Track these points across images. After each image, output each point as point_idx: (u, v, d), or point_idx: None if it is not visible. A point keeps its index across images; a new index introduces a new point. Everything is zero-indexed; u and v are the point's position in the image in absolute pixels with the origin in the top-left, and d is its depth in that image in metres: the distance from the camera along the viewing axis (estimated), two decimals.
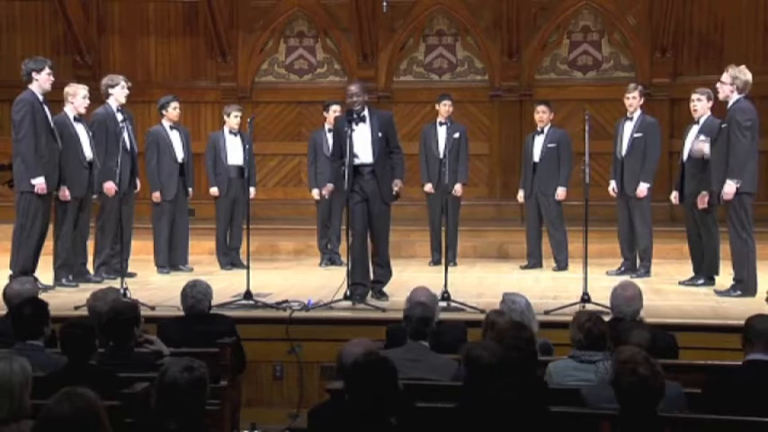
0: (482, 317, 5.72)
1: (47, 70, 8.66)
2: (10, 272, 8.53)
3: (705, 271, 8.91)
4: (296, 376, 7.41)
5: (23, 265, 8.51)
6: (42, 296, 6.32)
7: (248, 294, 7.87)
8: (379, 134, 8.14)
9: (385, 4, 12.60)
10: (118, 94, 9.43)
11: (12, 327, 5.46)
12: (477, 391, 4.22)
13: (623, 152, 9.52)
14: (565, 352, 5.32)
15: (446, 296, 7.61)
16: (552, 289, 8.82)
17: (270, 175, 13.85)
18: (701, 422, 4.33)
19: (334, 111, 10.31)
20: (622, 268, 9.65)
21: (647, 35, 13.24)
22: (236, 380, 6.42)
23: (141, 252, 10.16)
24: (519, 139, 12.44)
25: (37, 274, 8.54)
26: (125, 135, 8.70)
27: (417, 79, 13.81)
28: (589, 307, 7.31)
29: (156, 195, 9.90)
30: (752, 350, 4.84)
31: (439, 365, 5.24)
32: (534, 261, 10.28)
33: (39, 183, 8.47)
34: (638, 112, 9.54)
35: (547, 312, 7.26)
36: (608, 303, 6.17)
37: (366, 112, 8.21)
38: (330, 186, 8.50)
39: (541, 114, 10.16)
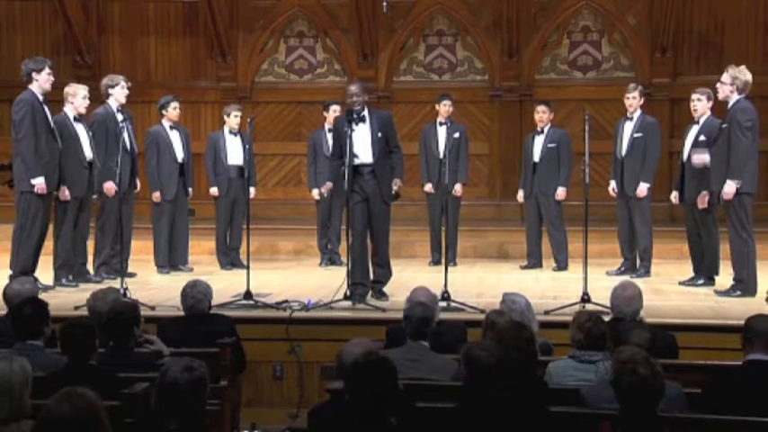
0: (482, 317, 5.72)
1: (47, 70, 8.66)
2: (10, 272, 8.53)
3: (705, 271, 8.90)
4: (296, 376, 7.41)
5: (23, 265, 8.51)
6: (42, 296, 6.32)
7: (248, 294, 7.87)
8: (379, 134, 8.14)
9: (385, 4, 12.59)
10: (118, 94, 9.42)
11: (12, 327, 5.46)
12: (477, 391, 4.22)
13: (623, 152, 9.52)
14: (565, 352, 5.32)
15: (446, 296, 7.60)
16: (552, 289, 8.82)
17: (270, 175, 13.84)
18: (701, 422, 4.33)
19: (334, 111, 10.31)
20: (622, 268, 9.65)
21: (647, 35, 13.23)
22: (236, 380, 6.42)
23: (141, 252, 10.15)
24: (519, 139, 12.44)
25: (37, 274, 8.53)
26: (125, 135, 8.70)
27: (417, 79, 13.80)
28: (589, 307, 7.31)
29: (156, 195, 9.90)
30: (752, 350, 4.85)
31: (439, 365, 5.23)
32: (534, 261, 10.27)
33: (39, 183, 8.47)
34: (638, 112, 9.54)
35: (547, 312, 7.26)
36: (608, 303, 6.17)
37: (366, 112, 8.20)
38: (329, 185, 8.47)
39: (541, 114, 10.15)
